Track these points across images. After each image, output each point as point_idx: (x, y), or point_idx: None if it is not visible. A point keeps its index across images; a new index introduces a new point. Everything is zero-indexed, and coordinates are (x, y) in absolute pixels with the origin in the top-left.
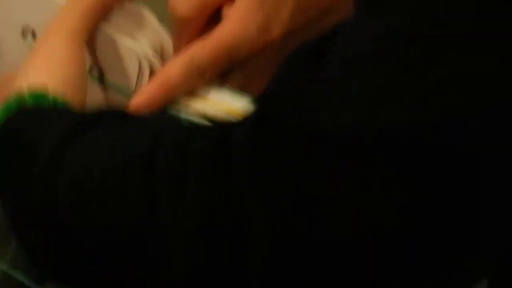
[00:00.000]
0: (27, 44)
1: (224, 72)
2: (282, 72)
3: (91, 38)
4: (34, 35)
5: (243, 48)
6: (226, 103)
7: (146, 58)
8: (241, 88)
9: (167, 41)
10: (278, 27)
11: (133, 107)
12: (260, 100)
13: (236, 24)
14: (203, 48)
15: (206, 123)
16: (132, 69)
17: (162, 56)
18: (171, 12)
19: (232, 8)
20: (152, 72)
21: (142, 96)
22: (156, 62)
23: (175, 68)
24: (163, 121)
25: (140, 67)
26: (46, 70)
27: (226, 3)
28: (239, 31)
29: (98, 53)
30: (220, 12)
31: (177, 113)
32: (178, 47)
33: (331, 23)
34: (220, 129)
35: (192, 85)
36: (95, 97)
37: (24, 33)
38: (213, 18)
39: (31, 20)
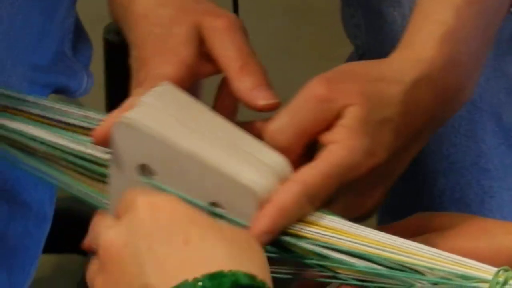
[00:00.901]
0: None
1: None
2: None
3: None
4: None
5: (351, 173)
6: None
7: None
8: (345, 210)
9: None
10: (382, 150)
11: (254, 233)
12: None
13: (342, 148)
14: (314, 175)
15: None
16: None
17: None
18: (270, 140)
19: (335, 134)
20: None
21: (262, 222)
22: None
23: (289, 195)
24: None
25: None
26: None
27: (321, 131)
28: (347, 156)
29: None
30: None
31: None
32: None
33: (426, 141)
34: None
35: (304, 213)
36: None
37: None
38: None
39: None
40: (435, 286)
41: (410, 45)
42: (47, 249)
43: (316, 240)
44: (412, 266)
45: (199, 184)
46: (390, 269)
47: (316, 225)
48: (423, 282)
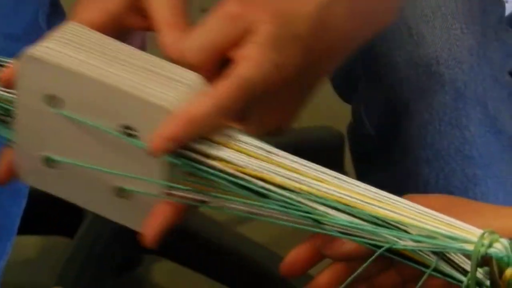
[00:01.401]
0: None
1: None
2: None
3: None
4: None
5: (262, 86)
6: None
7: None
8: (262, 124)
9: None
10: (291, 65)
11: (158, 140)
12: None
13: (253, 63)
14: (225, 88)
15: None
16: None
17: None
18: (182, 59)
19: (245, 50)
20: None
21: (166, 132)
22: None
23: (199, 107)
24: None
25: None
26: None
27: (232, 47)
28: (257, 70)
29: None
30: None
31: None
32: None
33: (339, 60)
34: None
35: (215, 125)
36: None
37: None
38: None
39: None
40: (419, 244)
41: None
42: (33, 231)
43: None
44: (395, 224)
45: (110, 110)
46: (372, 224)
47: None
48: (406, 239)
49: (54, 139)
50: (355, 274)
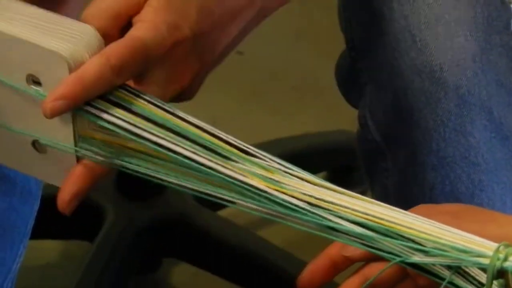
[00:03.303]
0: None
1: (143, 71)
2: None
3: None
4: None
5: (156, 46)
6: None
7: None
8: (162, 85)
9: None
10: (186, 26)
11: (49, 99)
12: None
13: (147, 24)
14: (118, 48)
15: None
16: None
17: None
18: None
19: (142, 14)
20: None
21: (57, 92)
22: None
23: (91, 66)
24: None
25: None
26: None
27: (135, 13)
28: (151, 30)
29: None
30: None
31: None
32: None
33: (239, 26)
34: None
35: (109, 84)
36: None
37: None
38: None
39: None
40: (433, 258)
41: None
42: (52, 235)
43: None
44: (410, 236)
45: (15, 61)
46: (386, 237)
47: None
48: (421, 254)
49: None
50: (368, 283)
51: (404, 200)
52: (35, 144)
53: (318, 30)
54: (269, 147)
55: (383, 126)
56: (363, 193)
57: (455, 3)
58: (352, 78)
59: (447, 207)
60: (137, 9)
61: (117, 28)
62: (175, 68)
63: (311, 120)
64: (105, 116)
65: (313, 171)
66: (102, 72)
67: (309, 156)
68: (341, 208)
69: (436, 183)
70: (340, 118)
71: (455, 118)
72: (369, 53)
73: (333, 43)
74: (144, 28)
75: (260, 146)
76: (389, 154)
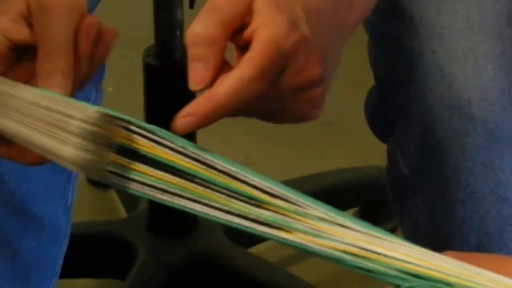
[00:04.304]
0: None
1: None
2: None
3: None
4: None
5: (284, 46)
6: None
7: None
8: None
9: None
10: (302, 24)
11: (180, 121)
12: None
13: (270, 26)
14: (252, 62)
15: None
16: None
17: None
18: (189, 42)
19: (256, 23)
20: None
21: (189, 109)
22: None
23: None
24: None
25: None
26: None
27: (240, 29)
28: (275, 30)
29: None
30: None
31: None
32: (204, 70)
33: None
34: None
35: (258, 92)
36: None
37: None
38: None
39: None
40: None
41: None
42: (85, 273)
43: None
44: (445, 280)
45: None
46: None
47: None
48: None
49: None
50: None
51: (434, 235)
52: None
53: (348, 66)
54: (302, 183)
55: (412, 161)
56: (394, 229)
57: (484, 37)
58: (381, 114)
59: (478, 259)
60: (242, 20)
61: (227, 36)
62: (295, 70)
63: (342, 156)
64: (131, 185)
65: (345, 206)
66: (238, 89)
67: (341, 192)
68: (384, 258)
69: (465, 218)
70: (370, 153)
71: (483, 153)
72: (397, 89)
73: (363, 79)
74: (269, 30)
75: (292, 182)
76: (418, 189)
